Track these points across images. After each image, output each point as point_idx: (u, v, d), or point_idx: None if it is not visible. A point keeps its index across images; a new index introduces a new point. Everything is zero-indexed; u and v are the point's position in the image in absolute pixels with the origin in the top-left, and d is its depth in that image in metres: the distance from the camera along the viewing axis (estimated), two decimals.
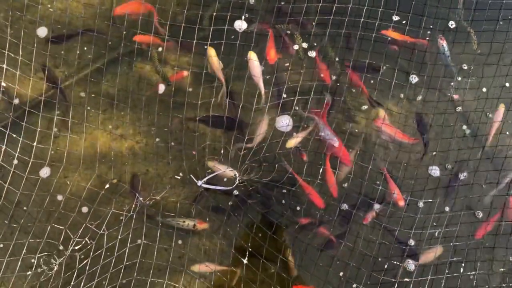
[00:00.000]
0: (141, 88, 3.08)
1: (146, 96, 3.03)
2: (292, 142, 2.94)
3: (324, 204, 2.86)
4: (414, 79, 3.06)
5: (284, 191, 2.88)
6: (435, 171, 2.97)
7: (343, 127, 3.00)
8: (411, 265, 2.81)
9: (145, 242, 2.74)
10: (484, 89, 3.04)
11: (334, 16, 2.93)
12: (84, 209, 2.85)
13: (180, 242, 2.86)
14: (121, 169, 2.96)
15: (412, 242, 2.84)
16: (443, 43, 3.08)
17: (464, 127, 3.03)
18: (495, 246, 2.84)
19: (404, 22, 3.02)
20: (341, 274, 2.79)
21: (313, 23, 3.00)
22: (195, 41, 2.97)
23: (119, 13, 3.08)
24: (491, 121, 3.03)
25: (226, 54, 3.02)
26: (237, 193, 2.85)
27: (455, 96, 3.02)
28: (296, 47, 3.12)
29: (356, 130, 3.02)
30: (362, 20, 2.93)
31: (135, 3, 3.11)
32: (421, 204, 2.90)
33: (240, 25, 3.11)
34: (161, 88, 3.07)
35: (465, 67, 3.09)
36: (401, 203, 2.86)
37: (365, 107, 3.06)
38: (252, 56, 3.01)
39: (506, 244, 2.86)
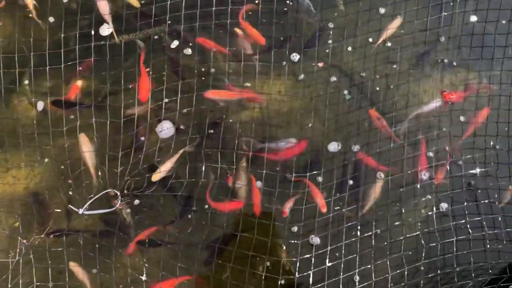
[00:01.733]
0: (23, 124, 2.99)
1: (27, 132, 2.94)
2: (157, 176, 2.82)
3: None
4: (295, 57, 3.03)
5: (194, 208, 2.84)
6: (333, 146, 2.96)
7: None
8: (316, 239, 2.81)
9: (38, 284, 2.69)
10: (350, 48, 3.02)
11: (186, 11, 2.89)
12: None
13: (94, 271, 2.80)
14: (23, 209, 2.88)
15: (295, 228, 2.82)
16: None
17: (345, 92, 3.00)
18: (389, 203, 2.85)
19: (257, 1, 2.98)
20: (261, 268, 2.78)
21: (168, 22, 2.94)
22: (62, 65, 2.89)
23: None
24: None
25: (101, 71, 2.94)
26: (129, 211, 2.81)
27: (320, 64, 2.99)
28: (173, 45, 3.05)
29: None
30: (213, 8, 2.88)
31: None
32: (320, 179, 2.88)
33: (106, 27, 3.01)
34: (40, 106, 2.98)
35: (332, 26, 3.04)
36: (324, 210, 2.83)
37: (248, 84, 3.00)
38: None
39: (399, 197, 2.87)
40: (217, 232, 2.78)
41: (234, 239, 2.73)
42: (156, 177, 2.80)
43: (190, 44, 3.03)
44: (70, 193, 2.84)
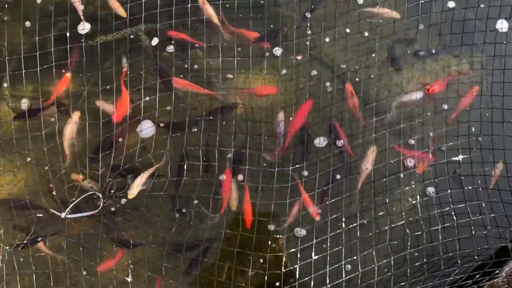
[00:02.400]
0: (4, 130, 2.98)
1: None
2: (134, 192, 2.79)
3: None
4: (278, 51, 3.02)
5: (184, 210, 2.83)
6: (320, 142, 2.94)
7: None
8: (302, 231, 2.81)
9: None
10: (327, 39, 3.00)
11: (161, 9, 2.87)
12: None
13: (84, 273, 2.79)
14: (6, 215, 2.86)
15: (272, 227, 2.83)
16: None
17: (328, 84, 2.99)
18: (374, 194, 2.85)
19: None
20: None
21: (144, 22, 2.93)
22: (38, 68, 2.86)
23: None
24: None
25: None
26: (114, 209, 2.80)
27: (299, 57, 2.97)
28: (154, 42, 3.03)
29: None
30: (189, 5, 2.87)
31: None
32: (305, 173, 2.87)
33: (83, 27, 2.99)
34: (24, 105, 2.96)
35: (309, 16, 3.01)
36: (317, 218, 2.83)
37: (230, 76, 2.99)
38: None
39: (385, 188, 2.87)
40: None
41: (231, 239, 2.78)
42: (132, 193, 2.78)
43: (172, 42, 3.01)
44: (54, 193, 2.84)
